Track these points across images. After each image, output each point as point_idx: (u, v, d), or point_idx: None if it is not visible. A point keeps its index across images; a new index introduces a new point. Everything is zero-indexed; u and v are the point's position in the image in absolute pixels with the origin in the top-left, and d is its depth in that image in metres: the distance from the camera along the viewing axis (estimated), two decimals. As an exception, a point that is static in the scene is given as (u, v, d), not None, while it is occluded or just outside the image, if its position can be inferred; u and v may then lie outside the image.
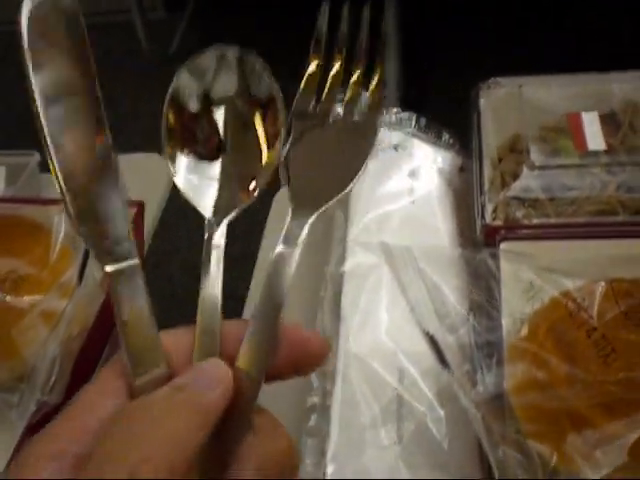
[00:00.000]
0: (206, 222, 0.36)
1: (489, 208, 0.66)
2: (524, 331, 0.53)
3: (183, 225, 1.60)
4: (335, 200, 0.36)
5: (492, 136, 0.72)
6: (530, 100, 0.72)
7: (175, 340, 0.33)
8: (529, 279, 0.55)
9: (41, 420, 0.57)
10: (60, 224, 0.68)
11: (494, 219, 0.65)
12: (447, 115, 0.72)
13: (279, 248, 0.35)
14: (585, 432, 0.47)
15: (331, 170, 0.37)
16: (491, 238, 0.62)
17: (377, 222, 0.67)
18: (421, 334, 0.56)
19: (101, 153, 0.33)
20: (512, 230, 0.62)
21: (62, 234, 0.67)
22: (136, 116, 2.19)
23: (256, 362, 0.33)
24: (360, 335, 0.59)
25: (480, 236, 0.65)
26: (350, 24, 0.42)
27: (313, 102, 0.39)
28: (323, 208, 0.36)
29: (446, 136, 0.77)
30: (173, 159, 0.37)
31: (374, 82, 0.40)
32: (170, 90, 0.38)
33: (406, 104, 0.80)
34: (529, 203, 0.65)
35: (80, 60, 0.33)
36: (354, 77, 0.41)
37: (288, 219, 0.36)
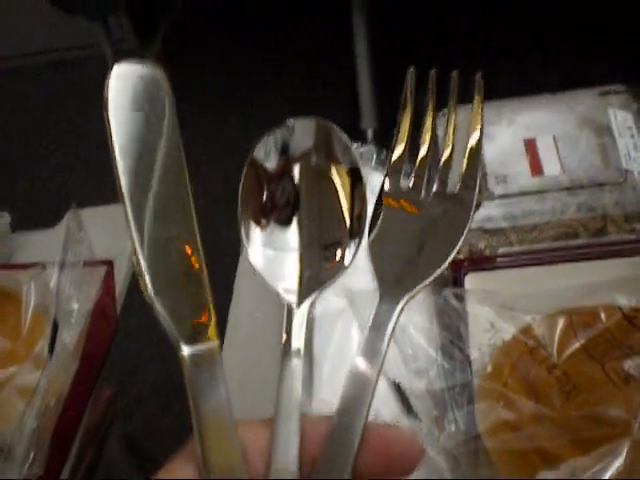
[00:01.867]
0: (286, 307, 0.33)
1: (452, 241, 0.66)
2: (489, 370, 0.53)
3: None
4: (427, 283, 0.34)
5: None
6: (485, 126, 0.72)
7: (252, 433, 0.30)
8: (490, 318, 0.56)
9: (23, 495, 0.57)
10: (30, 291, 0.68)
11: (458, 252, 0.65)
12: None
13: (368, 335, 0.32)
14: (556, 469, 0.48)
15: (421, 250, 0.34)
16: (456, 271, 0.63)
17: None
18: (387, 382, 0.57)
19: (183, 222, 0.31)
20: (476, 263, 0.63)
21: (33, 302, 0.68)
22: (102, 162, 2.19)
23: (338, 464, 0.29)
24: (331, 381, 0.60)
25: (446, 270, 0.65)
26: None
27: (402, 176, 0.37)
28: (415, 291, 0.33)
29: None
30: (248, 232, 0.35)
31: (468, 155, 0.38)
32: (248, 161, 0.35)
33: (380, 134, 0.81)
34: (491, 233, 0.66)
35: (164, 127, 0.31)
36: (446, 151, 0.39)
37: (375, 303, 0.33)
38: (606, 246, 0.64)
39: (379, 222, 0.35)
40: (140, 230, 0.30)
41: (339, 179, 0.35)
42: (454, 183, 0.36)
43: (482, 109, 0.39)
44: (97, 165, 2.23)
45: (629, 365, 0.50)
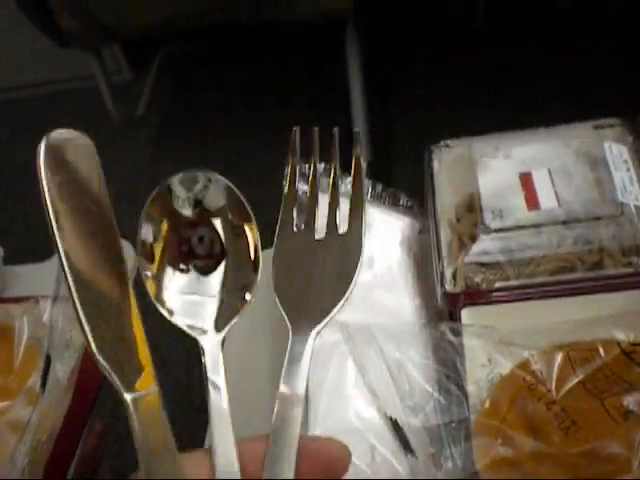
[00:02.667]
0: (202, 343, 0.36)
1: (448, 274, 0.66)
2: (487, 405, 0.53)
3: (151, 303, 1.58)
4: (333, 315, 0.37)
5: (448, 197, 0.73)
6: (481, 161, 0.73)
7: (196, 467, 0.33)
8: (487, 353, 0.55)
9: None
10: (23, 325, 0.68)
11: (454, 286, 0.65)
12: (411, 176, 0.72)
13: (286, 367, 0.35)
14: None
15: (323, 284, 0.38)
16: (452, 305, 0.63)
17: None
18: (384, 418, 0.56)
19: (118, 280, 0.33)
20: (472, 297, 0.63)
21: (25, 336, 0.67)
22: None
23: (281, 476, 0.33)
24: (328, 415, 0.59)
25: (441, 304, 0.65)
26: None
27: (295, 216, 0.40)
28: (322, 324, 0.37)
29: (404, 200, 0.77)
30: (156, 279, 0.37)
31: (351, 188, 0.41)
32: (143, 212, 0.38)
33: (372, 168, 0.81)
34: (488, 266, 0.66)
35: (94, 191, 0.34)
36: (330, 188, 0.42)
37: (289, 338, 0.36)
38: (603, 280, 0.64)
39: (279, 263, 0.39)
40: (79, 291, 0.32)
41: (230, 230, 0.38)
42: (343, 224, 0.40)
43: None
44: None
45: (628, 401, 0.50)
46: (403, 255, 0.72)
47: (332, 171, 0.43)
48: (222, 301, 0.38)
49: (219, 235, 0.39)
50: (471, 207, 0.70)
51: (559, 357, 0.53)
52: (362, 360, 0.60)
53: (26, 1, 1.91)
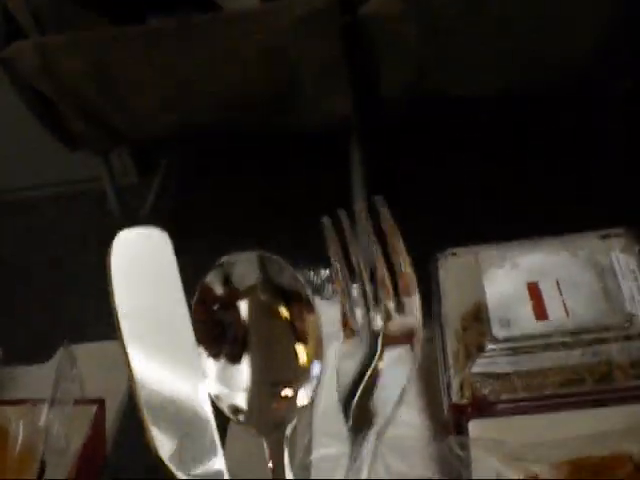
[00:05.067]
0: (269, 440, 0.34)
1: (455, 385, 0.65)
2: (496, 523, 0.51)
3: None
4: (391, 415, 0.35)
5: (454, 306, 0.72)
6: (488, 270, 0.72)
7: None
8: (496, 469, 0.54)
9: None
10: (18, 429, 0.66)
11: (461, 397, 0.64)
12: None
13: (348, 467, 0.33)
14: None
15: (377, 383, 0.36)
16: (459, 417, 0.61)
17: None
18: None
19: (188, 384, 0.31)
20: (480, 409, 0.61)
21: (20, 440, 0.66)
22: (99, 297, 2.19)
23: None
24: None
25: (448, 415, 0.63)
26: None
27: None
28: (382, 424, 0.37)
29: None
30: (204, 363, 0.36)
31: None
32: (195, 298, 0.36)
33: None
34: (495, 377, 0.64)
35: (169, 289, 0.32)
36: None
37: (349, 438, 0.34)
38: (612, 392, 0.63)
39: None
40: (146, 386, 0.31)
41: (290, 314, 0.36)
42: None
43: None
44: (90, 303, 2.23)
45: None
46: (409, 365, 0.70)
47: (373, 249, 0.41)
48: (276, 394, 0.35)
49: (270, 321, 0.37)
50: (478, 316, 0.70)
51: (569, 472, 0.51)
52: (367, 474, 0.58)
53: (35, 104, 1.94)
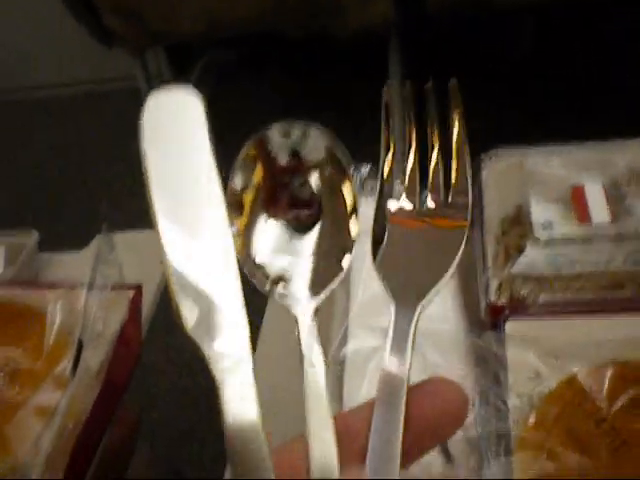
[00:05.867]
0: (298, 311, 0.33)
1: (493, 286, 0.64)
2: (532, 420, 0.51)
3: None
4: (438, 289, 0.34)
5: (495, 209, 0.71)
6: (532, 172, 0.71)
7: (288, 454, 0.31)
8: (535, 366, 0.53)
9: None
10: (56, 311, 0.67)
11: (498, 297, 0.63)
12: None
13: (391, 343, 0.33)
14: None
15: (427, 259, 0.35)
16: (496, 317, 0.61)
17: (379, 301, 0.65)
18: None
19: (219, 249, 0.31)
20: (517, 310, 0.61)
21: (58, 322, 0.66)
22: (134, 191, 2.20)
23: (387, 454, 0.30)
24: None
25: (485, 315, 0.63)
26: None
27: (398, 188, 0.37)
28: (428, 298, 0.34)
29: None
30: (243, 235, 0.34)
31: (455, 161, 0.37)
32: (237, 160, 0.35)
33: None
34: (534, 279, 0.64)
35: (200, 153, 0.31)
36: (433, 159, 0.39)
37: (393, 313, 0.33)
38: (654, 300, 0.62)
39: (385, 241, 0.35)
40: (175, 260, 0.30)
41: (332, 182, 0.35)
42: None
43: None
44: (127, 193, 2.24)
45: (682, 423, 0.48)
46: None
47: (433, 128, 0.39)
48: (317, 265, 0.34)
49: (316, 191, 0.36)
50: (519, 218, 0.69)
51: (610, 373, 0.51)
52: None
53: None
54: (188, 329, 0.30)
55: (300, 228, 0.35)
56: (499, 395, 0.54)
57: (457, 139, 0.38)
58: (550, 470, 0.47)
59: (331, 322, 0.67)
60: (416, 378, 0.56)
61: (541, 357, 0.54)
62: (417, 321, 0.33)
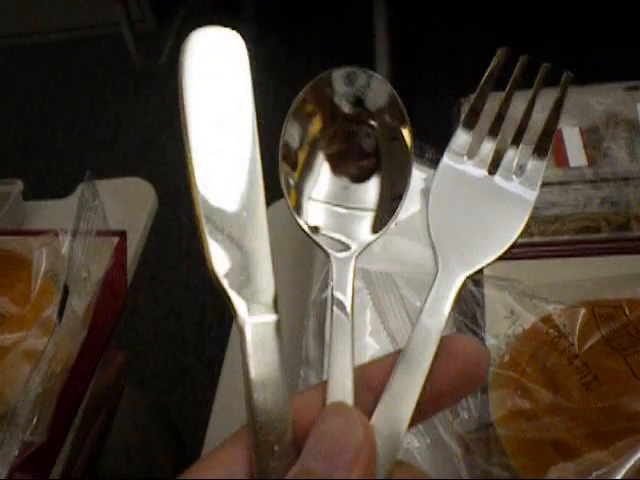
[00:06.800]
0: (332, 258, 0.33)
1: (471, 226, 0.65)
2: (506, 358, 0.52)
3: (167, 253, 1.58)
4: (487, 263, 0.33)
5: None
6: (510, 115, 0.71)
7: (305, 404, 0.30)
8: (511, 305, 0.55)
9: (25, 461, 0.56)
10: (41, 257, 0.67)
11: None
12: (437, 129, 0.71)
13: (430, 303, 0.32)
14: (571, 462, 0.47)
15: (483, 225, 0.33)
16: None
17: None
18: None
19: (249, 197, 0.30)
20: (495, 251, 0.62)
21: (43, 268, 0.67)
22: (118, 139, 2.19)
23: (404, 405, 0.29)
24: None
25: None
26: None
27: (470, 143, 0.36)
28: (473, 271, 0.33)
29: (429, 152, 0.76)
30: (298, 187, 0.34)
31: (542, 133, 0.37)
32: (291, 108, 0.34)
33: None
34: (512, 222, 0.65)
35: (239, 93, 0.31)
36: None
37: (436, 276, 0.32)
38: (628, 241, 0.63)
39: (439, 181, 0.34)
40: (206, 202, 0.30)
41: (394, 133, 0.34)
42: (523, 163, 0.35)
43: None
44: (110, 142, 2.23)
45: (652, 359, 0.49)
46: (425, 207, 0.71)
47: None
48: (375, 213, 0.34)
49: (376, 139, 0.35)
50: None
51: (583, 312, 0.52)
52: (382, 306, 0.59)
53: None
54: (214, 270, 0.29)
55: (357, 177, 0.35)
56: (476, 333, 0.55)
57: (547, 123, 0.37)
58: (523, 406, 0.49)
59: (313, 266, 0.68)
60: (398, 319, 0.58)
61: (517, 297, 0.55)
62: (459, 290, 0.32)
